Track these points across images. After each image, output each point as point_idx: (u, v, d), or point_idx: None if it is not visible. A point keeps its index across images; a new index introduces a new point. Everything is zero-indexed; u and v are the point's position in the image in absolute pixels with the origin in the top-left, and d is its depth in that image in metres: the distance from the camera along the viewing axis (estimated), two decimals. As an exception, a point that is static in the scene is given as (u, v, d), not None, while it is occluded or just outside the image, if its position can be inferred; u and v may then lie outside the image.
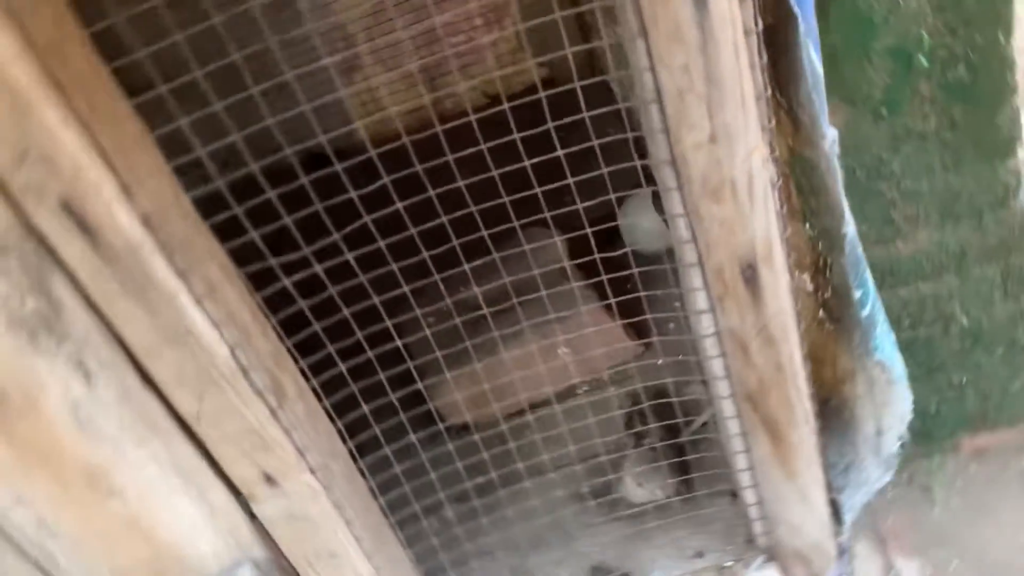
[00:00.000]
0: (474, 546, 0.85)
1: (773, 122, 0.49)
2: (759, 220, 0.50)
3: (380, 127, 1.27)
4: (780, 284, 0.52)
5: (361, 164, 0.83)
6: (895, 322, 1.54)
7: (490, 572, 0.86)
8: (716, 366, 0.57)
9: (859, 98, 1.29)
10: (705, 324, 0.55)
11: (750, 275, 0.50)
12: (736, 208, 0.48)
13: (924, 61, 1.26)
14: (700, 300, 0.53)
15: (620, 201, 1.00)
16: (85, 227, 0.41)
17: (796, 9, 0.49)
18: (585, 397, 0.84)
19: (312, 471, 0.53)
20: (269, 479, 0.52)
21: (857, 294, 0.61)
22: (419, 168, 0.80)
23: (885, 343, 0.65)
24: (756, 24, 0.46)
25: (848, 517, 0.71)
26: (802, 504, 0.65)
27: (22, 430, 0.45)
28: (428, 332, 0.79)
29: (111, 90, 0.43)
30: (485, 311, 0.80)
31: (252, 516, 0.55)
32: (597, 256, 0.82)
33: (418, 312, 0.81)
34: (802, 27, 0.52)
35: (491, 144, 0.73)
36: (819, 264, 0.70)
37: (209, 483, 0.51)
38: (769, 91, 0.51)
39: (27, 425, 0.44)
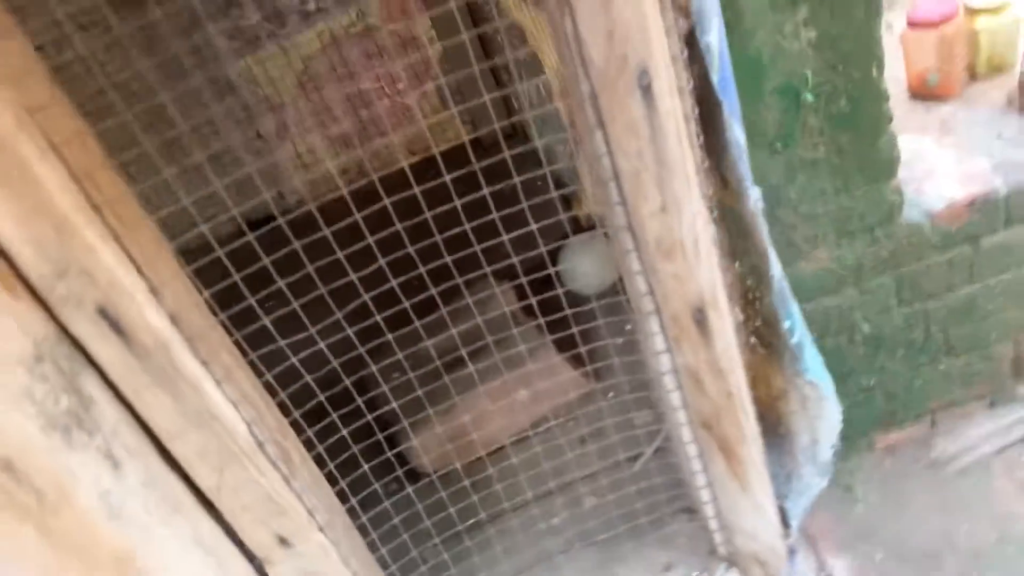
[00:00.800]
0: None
1: (711, 189, 0.56)
2: (705, 272, 0.57)
3: (317, 188, 1.29)
4: (726, 324, 0.58)
5: (308, 234, 0.87)
6: (805, 335, 1.66)
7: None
8: (675, 398, 0.63)
9: (756, 135, 1.39)
10: (664, 363, 0.61)
11: (700, 319, 0.57)
12: (686, 264, 0.54)
13: (810, 97, 1.38)
14: (658, 343, 0.59)
15: (556, 250, 1.06)
16: (119, 329, 0.44)
17: (721, 97, 0.56)
18: (541, 437, 0.89)
19: (322, 530, 0.57)
20: (284, 541, 0.55)
21: (786, 324, 0.68)
22: (367, 234, 0.84)
23: (815, 364, 0.72)
24: (692, 111, 0.53)
25: (794, 522, 0.77)
26: (755, 513, 0.72)
27: (57, 524, 0.47)
28: (385, 387, 0.83)
29: (134, 205, 0.46)
30: (437, 362, 0.84)
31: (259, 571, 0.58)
32: (533, 300, 0.88)
33: (375, 369, 0.84)
34: (727, 110, 0.59)
35: (438, 208, 0.78)
36: (748, 297, 0.78)
37: (227, 553, 0.54)
38: (706, 163, 0.58)
39: (61, 519, 0.46)
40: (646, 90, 0.47)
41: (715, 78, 0.53)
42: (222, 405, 0.48)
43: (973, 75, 1.81)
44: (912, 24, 1.75)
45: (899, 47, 1.82)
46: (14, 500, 0.45)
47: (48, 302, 0.42)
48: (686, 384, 0.62)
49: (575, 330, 0.89)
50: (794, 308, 0.70)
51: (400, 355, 0.84)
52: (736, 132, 0.59)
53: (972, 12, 1.75)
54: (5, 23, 0.40)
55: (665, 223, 0.54)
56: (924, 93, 1.81)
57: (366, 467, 0.85)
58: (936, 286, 1.65)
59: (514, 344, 0.82)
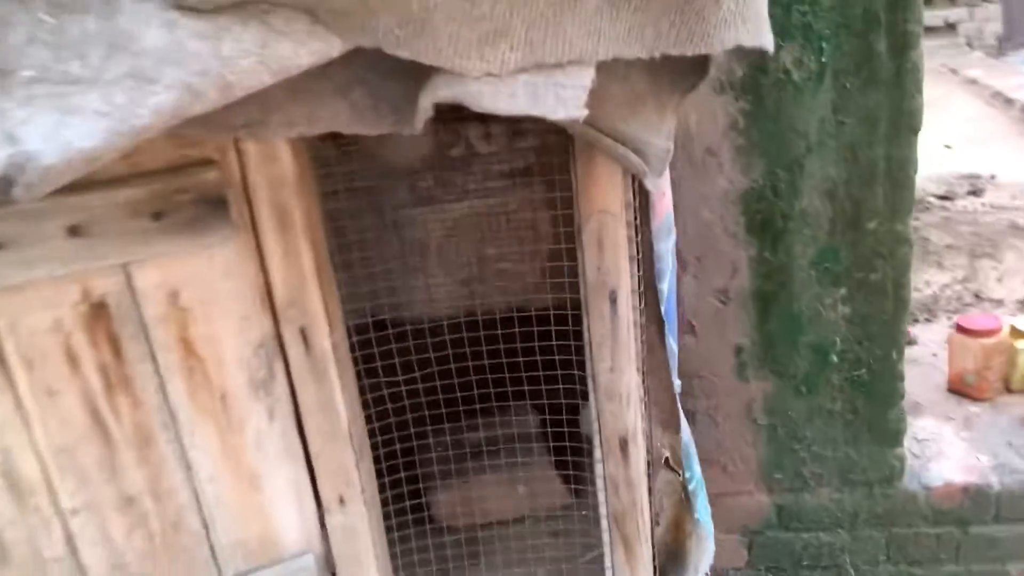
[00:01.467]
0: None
1: (644, 366, 0.85)
2: (631, 416, 0.86)
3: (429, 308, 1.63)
4: (640, 452, 0.86)
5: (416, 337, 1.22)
6: (796, 559, 1.87)
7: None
8: (601, 498, 0.91)
9: (785, 375, 1.69)
10: (599, 470, 0.89)
11: (623, 444, 0.86)
12: (620, 407, 0.83)
13: (836, 359, 1.67)
14: (597, 455, 0.87)
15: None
16: (306, 341, 0.78)
17: (664, 319, 0.87)
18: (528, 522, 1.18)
19: (364, 501, 0.87)
20: (342, 500, 0.86)
21: (687, 475, 0.94)
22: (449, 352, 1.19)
23: (703, 510, 0.97)
24: (639, 318, 0.83)
25: None
26: None
27: (229, 438, 0.80)
28: (432, 457, 1.15)
29: (330, 270, 0.81)
30: (467, 449, 1.15)
31: (322, 524, 0.89)
32: (550, 430, 1.18)
33: (414, 443, 1.17)
34: (666, 328, 0.90)
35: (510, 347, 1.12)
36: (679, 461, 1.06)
37: (308, 497, 0.85)
38: (645, 349, 0.87)
39: (232, 436, 0.80)
40: (613, 300, 0.79)
41: (663, 308, 0.84)
42: (340, 403, 0.80)
43: (1008, 386, 2.04)
44: (960, 329, 2.02)
45: (946, 345, 2.08)
46: (218, 413, 0.79)
47: (278, 317, 0.77)
48: (609, 489, 0.90)
49: (568, 457, 1.18)
50: (695, 464, 0.96)
51: (446, 437, 1.16)
52: (670, 342, 0.89)
53: (1016, 332, 2.00)
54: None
55: (612, 378, 0.85)
56: (960, 389, 2.05)
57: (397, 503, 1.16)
58: (924, 555, 1.84)
59: (525, 454, 1.13)
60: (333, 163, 1.12)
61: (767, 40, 0.68)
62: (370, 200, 1.41)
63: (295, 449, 0.82)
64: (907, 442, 1.85)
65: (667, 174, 0.83)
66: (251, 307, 0.76)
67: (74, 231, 0.67)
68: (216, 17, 0.52)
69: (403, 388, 1.14)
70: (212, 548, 0.83)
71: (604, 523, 0.86)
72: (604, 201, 0.73)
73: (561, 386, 1.10)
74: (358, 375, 0.92)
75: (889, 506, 1.80)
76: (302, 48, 0.53)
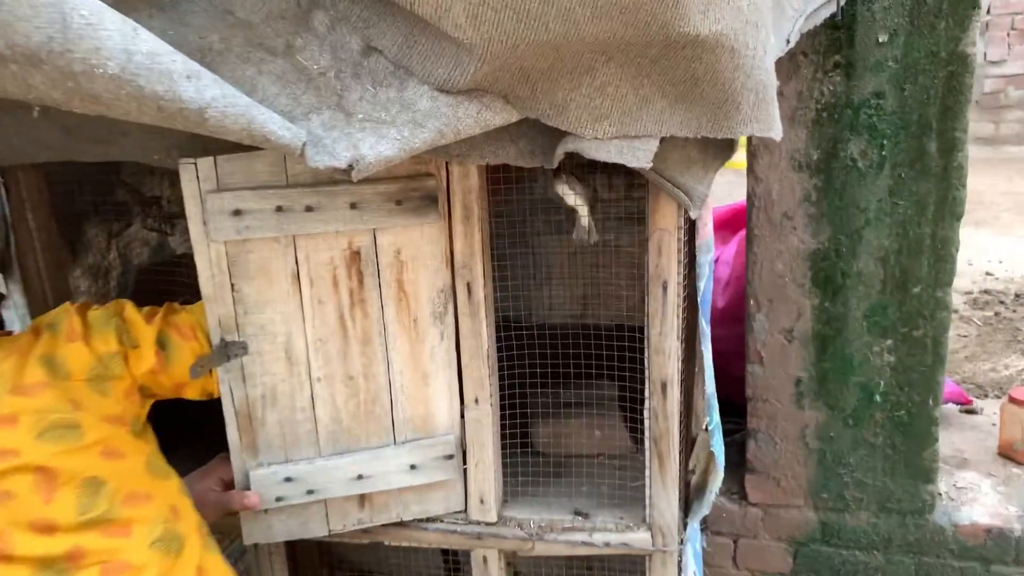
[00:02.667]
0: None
1: (684, 333, 1.24)
2: (670, 365, 1.25)
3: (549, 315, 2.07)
4: (675, 392, 1.24)
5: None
6: (835, 573, 2.17)
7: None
8: (647, 425, 1.30)
9: (836, 408, 2.03)
10: (647, 405, 1.29)
11: (664, 386, 1.25)
12: (662, 359, 1.23)
13: (879, 399, 2.00)
14: (647, 395, 1.27)
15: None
16: (470, 291, 1.24)
17: (699, 303, 1.26)
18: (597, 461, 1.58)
19: (490, 405, 1.32)
20: (477, 400, 1.31)
21: (711, 422, 1.30)
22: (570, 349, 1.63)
23: (718, 446, 1.31)
24: (683, 302, 1.23)
25: (692, 518, 1.35)
26: (667, 499, 1.32)
27: (415, 350, 1.28)
28: (540, 404, 1.57)
29: (490, 250, 1.26)
30: (562, 403, 1.57)
31: (462, 416, 1.34)
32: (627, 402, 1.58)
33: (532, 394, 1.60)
34: (700, 311, 1.29)
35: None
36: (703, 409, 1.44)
37: (455, 396, 1.30)
38: (685, 318, 1.26)
39: (417, 348, 1.27)
40: (664, 288, 1.20)
41: (699, 298, 1.23)
42: (484, 335, 1.26)
43: (1053, 457, 2.29)
44: (1012, 399, 2.29)
45: (1000, 413, 2.35)
46: (411, 330, 1.26)
47: (455, 273, 1.22)
48: (651, 417, 1.29)
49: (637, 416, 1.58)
50: (714, 412, 1.32)
51: (550, 392, 1.59)
52: (702, 323, 1.27)
53: (1065, 410, 2.26)
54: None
55: (660, 340, 1.25)
56: (1008, 454, 2.31)
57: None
58: (949, 586, 2.11)
59: (603, 410, 1.54)
60: (500, 192, 1.60)
61: (775, 132, 1.11)
62: (516, 223, 1.89)
63: (453, 361, 1.28)
64: (945, 486, 2.14)
65: (709, 212, 1.25)
66: (439, 265, 1.23)
67: (352, 206, 1.16)
68: (457, 95, 0.99)
69: (527, 361, 1.59)
70: (393, 420, 1.30)
71: (647, 442, 1.27)
72: (664, 222, 1.16)
73: (638, 375, 1.51)
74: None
75: (920, 536, 2.09)
76: (497, 116, 1.00)
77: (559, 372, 1.60)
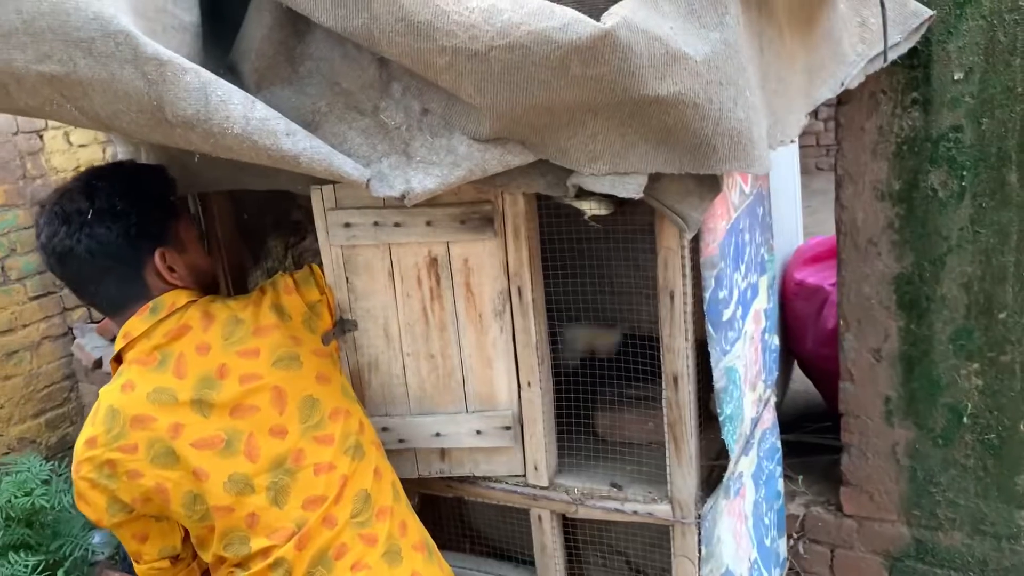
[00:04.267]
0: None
1: (693, 338, 1.45)
2: (680, 363, 1.47)
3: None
4: (685, 385, 1.46)
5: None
6: (928, 591, 2.23)
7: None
8: (664, 412, 1.53)
9: (924, 428, 2.12)
10: (663, 396, 1.52)
11: (675, 379, 1.48)
12: (674, 357, 1.46)
13: (968, 421, 2.07)
14: (663, 387, 1.50)
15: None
16: (521, 294, 1.55)
17: (704, 311, 1.45)
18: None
19: (540, 388, 1.62)
20: (528, 384, 1.61)
21: (721, 415, 1.49)
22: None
23: (729, 436, 1.50)
24: (690, 309, 1.46)
25: (712, 498, 1.55)
26: (683, 476, 1.55)
27: (481, 339, 1.61)
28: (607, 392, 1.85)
29: (539, 261, 1.57)
30: (624, 398, 1.83)
31: (519, 396, 1.65)
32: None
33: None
34: (706, 318, 1.48)
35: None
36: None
37: (513, 378, 1.61)
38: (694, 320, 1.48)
39: (482, 338, 1.62)
40: (671, 297, 1.44)
41: (704, 307, 1.44)
42: (532, 331, 1.56)
43: None
44: None
45: None
46: (477, 323, 1.60)
47: (509, 279, 1.54)
48: (667, 406, 1.52)
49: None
50: (725, 405, 1.50)
51: (615, 387, 1.85)
52: (709, 327, 1.47)
53: None
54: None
55: (670, 341, 1.47)
56: None
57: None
58: (1049, 617, 2.10)
59: (659, 406, 1.78)
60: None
61: (756, 168, 1.33)
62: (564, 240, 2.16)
63: (510, 351, 1.60)
64: (1046, 514, 2.14)
65: (712, 234, 1.48)
66: (498, 272, 1.56)
67: (428, 223, 1.53)
68: (485, 143, 1.32)
69: (595, 360, 1.88)
70: (465, 393, 1.64)
71: (665, 427, 1.52)
72: (668, 242, 1.42)
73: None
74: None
75: (1016, 561, 2.10)
76: (516, 158, 1.32)
77: (627, 371, 1.85)
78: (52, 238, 1.45)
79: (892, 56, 1.81)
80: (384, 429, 1.65)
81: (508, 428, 1.63)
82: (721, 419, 1.51)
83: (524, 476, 1.68)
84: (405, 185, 1.31)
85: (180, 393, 1.42)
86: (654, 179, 1.34)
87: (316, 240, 1.98)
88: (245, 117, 1.22)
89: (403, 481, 1.64)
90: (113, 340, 3.95)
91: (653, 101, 1.21)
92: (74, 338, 4.09)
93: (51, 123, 3.96)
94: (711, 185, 1.38)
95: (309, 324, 1.54)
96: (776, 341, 1.97)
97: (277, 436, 1.45)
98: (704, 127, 1.25)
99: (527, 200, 1.51)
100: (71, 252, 1.44)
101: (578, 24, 1.14)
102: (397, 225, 1.53)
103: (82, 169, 4.14)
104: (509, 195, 1.51)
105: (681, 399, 1.49)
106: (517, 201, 1.50)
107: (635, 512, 1.60)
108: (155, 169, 1.60)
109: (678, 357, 1.47)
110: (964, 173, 1.93)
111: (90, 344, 3.96)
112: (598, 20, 1.16)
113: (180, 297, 1.50)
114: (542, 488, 1.67)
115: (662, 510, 1.58)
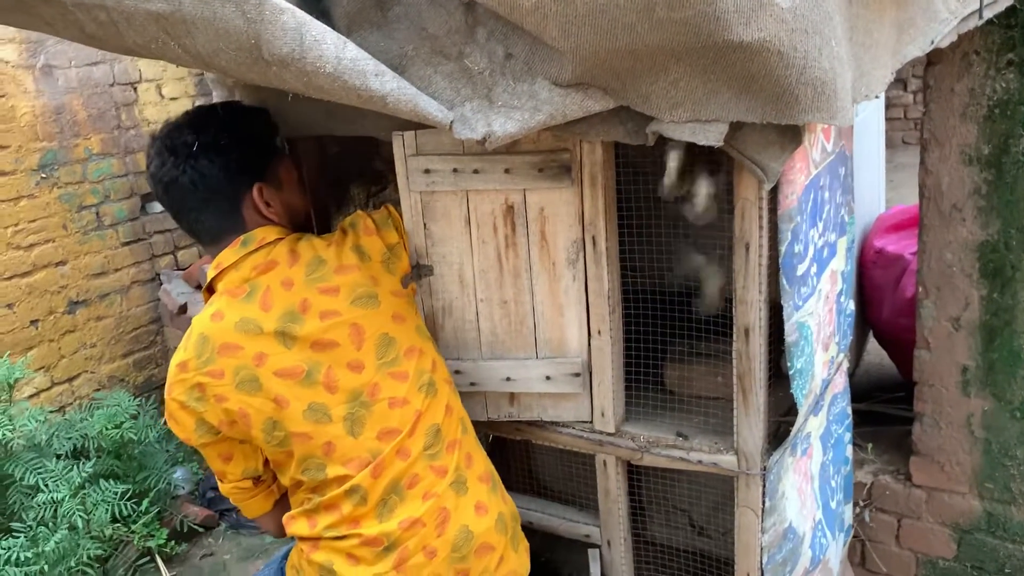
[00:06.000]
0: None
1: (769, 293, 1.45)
2: (752, 315, 1.49)
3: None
4: (756, 338, 1.46)
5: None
6: (999, 565, 2.19)
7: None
8: (734, 364, 1.54)
9: (1003, 398, 2.07)
10: (734, 348, 1.53)
11: (747, 332, 1.48)
12: (747, 310, 1.46)
13: (1048, 392, 2.02)
14: (734, 338, 1.51)
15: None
16: (595, 243, 1.57)
17: (780, 264, 1.45)
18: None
19: (611, 337, 1.65)
20: (599, 332, 1.64)
21: (791, 368, 1.49)
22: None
23: (799, 390, 1.49)
24: (765, 262, 1.43)
25: (779, 451, 1.55)
26: (750, 428, 1.55)
27: (553, 286, 1.64)
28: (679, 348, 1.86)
29: (614, 210, 1.59)
30: (693, 352, 1.84)
31: (588, 344, 1.68)
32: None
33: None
34: (780, 272, 1.47)
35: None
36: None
37: (584, 327, 1.66)
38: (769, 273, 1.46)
39: (554, 285, 1.63)
40: (747, 248, 1.43)
41: (780, 260, 1.43)
42: (605, 280, 1.59)
43: None
44: None
45: None
46: (550, 270, 1.63)
47: (584, 228, 1.57)
48: (736, 358, 1.52)
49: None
50: (795, 360, 1.49)
51: (684, 342, 1.87)
52: (783, 281, 1.46)
53: None
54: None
55: (743, 293, 1.47)
56: None
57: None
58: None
59: (728, 360, 1.78)
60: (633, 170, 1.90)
61: (839, 120, 1.32)
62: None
63: (582, 299, 1.63)
64: None
65: (791, 185, 1.48)
66: (573, 221, 1.58)
67: (507, 171, 1.56)
68: (566, 88, 1.34)
69: (667, 315, 1.89)
70: (536, 339, 1.67)
71: (734, 379, 1.54)
72: (746, 192, 1.42)
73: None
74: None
75: (1093, 538, 2.05)
76: (596, 104, 1.33)
77: (697, 326, 1.86)
78: (161, 168, 1.53)
79: (988, 14, 1.76)
80: (456, 372, 1.70)
81: (577, 375, 1.66)
82: (791, 373, 1.51)
83: (591, 422, 1.71)
84: (487, 128, 1.34)
85: (265, 324, 1.49)
86: (734, 128, 1.34)
87: (396, 190, 2.03)
88: (337, 57, 1.27)
89: (474, 423, 1.69)
90: (198, 288, 4.13)
91: (737, 47, 1.21)
92: (161, 284, 4.27)
93: (145, 76, 4.12)
94: (792, 136, 1.37)
95: (388, 265, 1.60)
96: (852, 306, 1.95)
97: (355, 370, 1.51)
98: (788, 76, 1.25)
99: (605, 149, 1.53)
100: (176, 182, 1.53)
101: (665, -34, 1.15)
102: (476, 172, 1.57)
103: (172, 122, 4.31)
104: (587, 144, 1.52)
105: (752, 351, 1.50)
106: (595, 150, 1.52)
107: (700, 462, 1.62)
108: (258, 111, 1.68)
109: (751, 309, 1.47)
110: (1058, 138, 1.87)
111: (176, 290, 4.13)
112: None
113: (271, 232, 1.57)
114: (609, 434, 1.70)
115: (727, 460, 1.59)
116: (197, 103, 4.34)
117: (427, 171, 1.59)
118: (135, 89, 4.13)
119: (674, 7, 1.17)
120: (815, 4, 1.25)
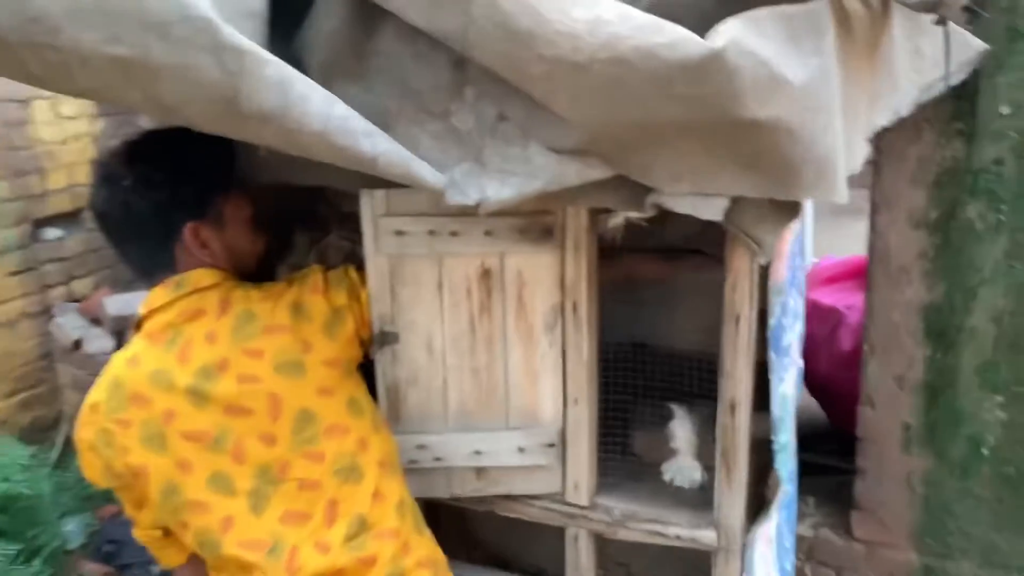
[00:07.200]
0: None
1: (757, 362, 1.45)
2: (740, 390, 1.45)
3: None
4: (743, 413, 1.45)
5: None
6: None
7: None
8: (719, 438, 1.51)
9: (943, 457, 2.12)
10: (719, 422, 1.50)
11: (733, 406, 1.46)
12: (733, 384, 1.43)
13: (988, 453, 2.07)
14: (719, 413, 1.48)
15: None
16: (575, 309, 1.51)
17: (768, 337, 1.43)
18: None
19: (588, 405, 1.59)
20: (576, 401, 1.59)
21: (775, 443, 1.47)
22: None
23: (783, 466, 1.48)
24: (755, 331, 1.43)
25: (756, 525, 1.54)
26: (731, 503, 1.53)
27: (528, 353, 1.57)
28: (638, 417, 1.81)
29: (595, 277, 1.54)
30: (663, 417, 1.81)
31: (564, 412, 1.62)
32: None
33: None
34: (769, 344, 1.46)
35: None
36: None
37: (559, 395, 1.58)
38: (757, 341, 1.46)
39: (530, 352, 1.56)
40: (737, 321, 1.42)
41: (769, 333, 1.42)
42: (585, 347, 1.53)
43: None
44: None
45: None
46: (526, 337, 1.56)
47: (564, 293, 1.49)
48: (721, 432, 1.50)
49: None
50: (780, 434, 1.49)
51: (652, 406, 1.83)
52: (771, 355, 1.45)
53: None
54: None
55: (731, 367, 1.46)
56: None
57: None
58: (1055, 648, 2.12)
59: (697, 425, 1.75)
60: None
61: (837, 197, 1.31)
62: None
63: (558, 367, 1.56)
64: (1058, 548, 2.16)
65: (782, 260, 1.46)
66: (552, 286, 1.51)
67: (487, 233, 1.47)
68: (564, 154, 1.27)
69: (642, 381, 1.85)
70: (507, 409, 1.59)
71: (717, 454, 1.50)
72: (738, 265, 1.39)
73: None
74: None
75: (1025, 593, 2.12)
76: (595, 172, 1.28)
77: (669, 390, 1.83)
78: (94, 198, 1.44)
79: (944, 87, 1.80)
80: (420, 447, 1.60)
81: (552, 445, 1.59)
82: (775, 448, 1.49)
83: (563, 495, 1.64)
84: (480, 194, 1.26)
85: (179, 379, 1.37)
86: (732, 201, 1.31)
87: (340, 236, 1.90)
88: (325, 115, 1.16)
89: (435, 501, 1.59)
90: (96, 322, 3.83)
91: (751, 125, 1.18)
92: (53, 317, 3.95)
93: (41, 94, 3.82)
94: (789, 210, 1.35)
95: (329, 329, 1.46)
96: (802, 363, 1.96)
97: (267, 443, 1.40)
98: (794, 153, 1.22)
99: (589, 213, 1.47)
100: (108, 215, 1.43)
101: (688, 43, 1.10)
102: (454, 234, 1.48)
103: (69, 141, 4.02)
104: (572, 208, 1.46)
105: (738, 425, 1.46)
106: (580, 214, 1.46)
107: (678, 537, 1.57)
108: (211, 139, 1.53)
109: (738, 384, 1.44)
110: (1003, 206, 1.93)
111: (70, 324, 3.83)
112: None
113: (207, 277, 1.45)
114: (581, 508, 1.63)
115: (707, 536, 1.55)
116: (98, 123, 4.06)
117: (399, 233, 1.49)
118: (28, 107, 3.83)
119: (693, 83, 1.12)
120: (824, 82, 1.23)
